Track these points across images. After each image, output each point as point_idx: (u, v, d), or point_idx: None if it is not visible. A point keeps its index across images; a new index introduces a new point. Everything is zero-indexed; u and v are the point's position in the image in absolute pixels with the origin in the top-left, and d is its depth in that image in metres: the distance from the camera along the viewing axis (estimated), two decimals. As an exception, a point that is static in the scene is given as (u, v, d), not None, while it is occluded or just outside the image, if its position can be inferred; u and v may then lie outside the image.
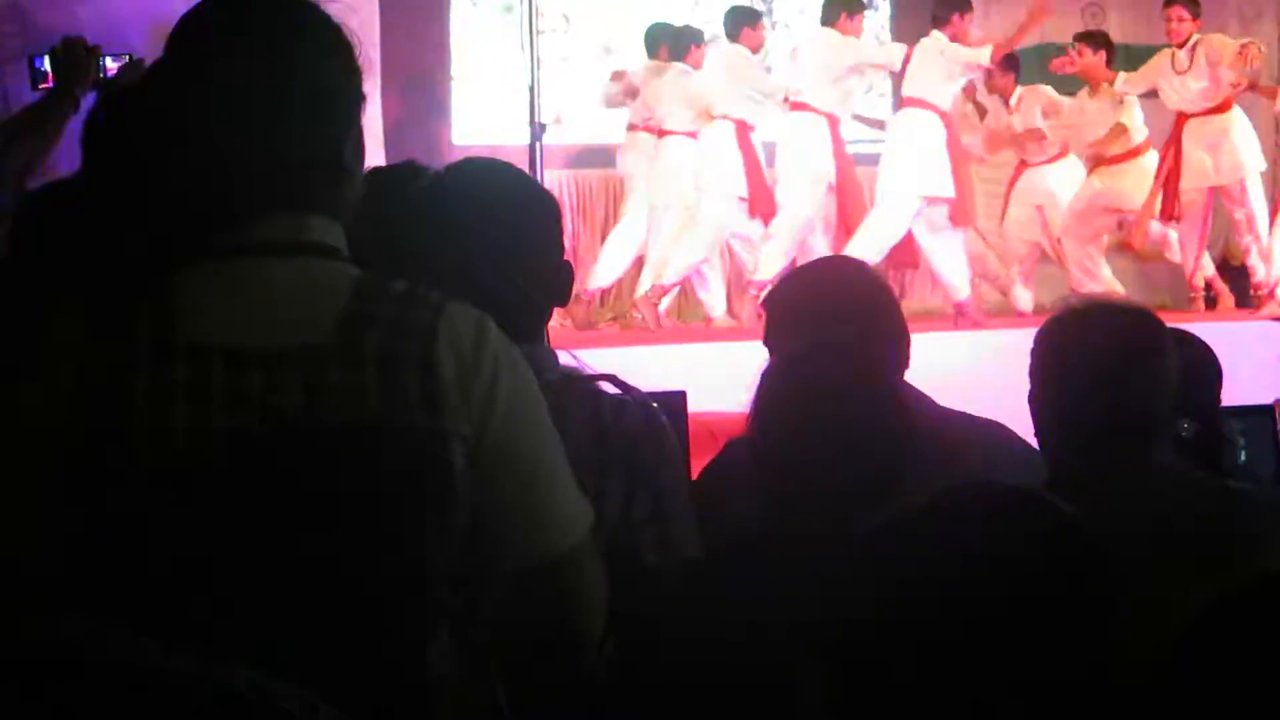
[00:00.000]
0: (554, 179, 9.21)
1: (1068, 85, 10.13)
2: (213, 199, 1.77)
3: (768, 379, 2.48)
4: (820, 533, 2.14)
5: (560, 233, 2.41)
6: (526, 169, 6.27)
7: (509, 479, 1.78)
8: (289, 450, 1.67)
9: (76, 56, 4.06)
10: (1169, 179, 9.70)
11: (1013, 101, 10.14)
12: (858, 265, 3.53)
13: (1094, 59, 9.81)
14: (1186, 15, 9.69)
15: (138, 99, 2.32)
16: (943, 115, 9.17)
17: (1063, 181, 10.07)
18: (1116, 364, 2.48)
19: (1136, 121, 9.83)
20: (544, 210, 2.37)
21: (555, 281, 2.35)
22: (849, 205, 9.26)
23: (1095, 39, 9.98)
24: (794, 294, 2.98)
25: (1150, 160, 9.84)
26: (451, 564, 1.75)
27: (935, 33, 9.24)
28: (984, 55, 9.19)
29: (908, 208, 9.15)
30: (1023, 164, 10.23)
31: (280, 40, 1.77)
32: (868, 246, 8.91)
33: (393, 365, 1.71)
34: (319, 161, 1.78)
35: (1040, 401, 2.56)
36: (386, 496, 1.70)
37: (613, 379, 2.35)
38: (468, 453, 1.74)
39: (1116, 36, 10.35)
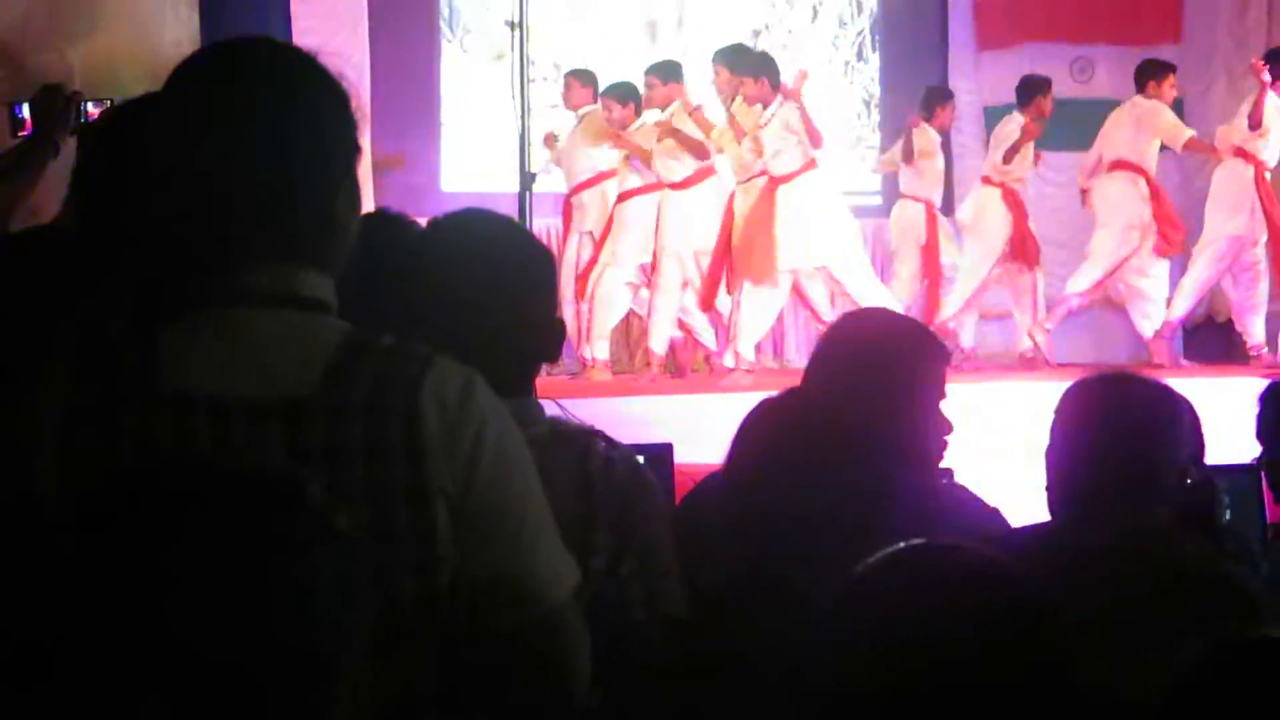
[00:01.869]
0: (543, 227, 9.22)
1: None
2: (204, 248, 1.77)
3: (748, 425, 2.50)
4: (793, 589, 2.13)
5: (555, 288, 2.41)
6: (516, 217, 6.30)
7: (493, 536, 1.76)
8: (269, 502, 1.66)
9: (55, 104, 4.07)
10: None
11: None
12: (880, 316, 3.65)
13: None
14: None
15: (133, 144, 2.32)
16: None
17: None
18: (1132, 427, 2.70)
19: None
20: (539, 265, 2.37)
21: (547, 336, 2.35)
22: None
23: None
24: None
25: None
26: (439, 613, 1.74)
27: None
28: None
29: None
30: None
31: (277, 91, 1.77)
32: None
33: (377, 419, 1.71)
34: (312, 213, 1.78)
35: (1058, 455, 2.75)
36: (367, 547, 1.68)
37: (598, 434, 2.34)
38: (451, 508, 1.73)
39: (1106, 92, 10.34)
